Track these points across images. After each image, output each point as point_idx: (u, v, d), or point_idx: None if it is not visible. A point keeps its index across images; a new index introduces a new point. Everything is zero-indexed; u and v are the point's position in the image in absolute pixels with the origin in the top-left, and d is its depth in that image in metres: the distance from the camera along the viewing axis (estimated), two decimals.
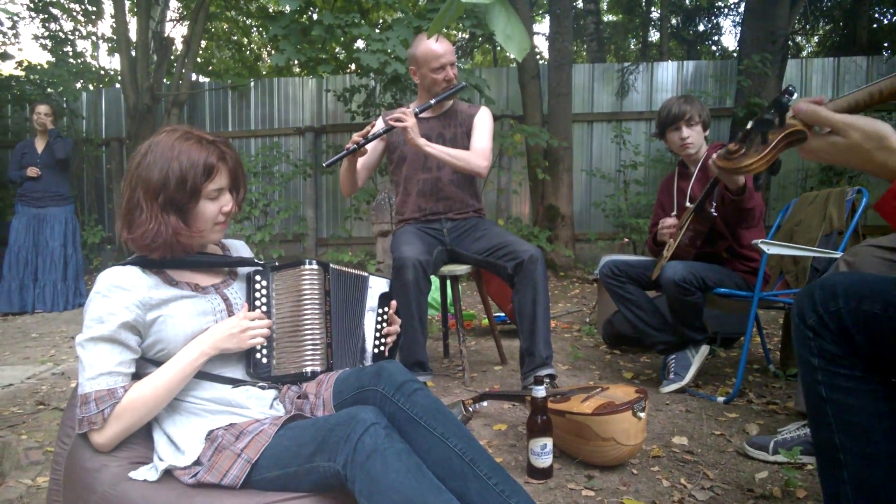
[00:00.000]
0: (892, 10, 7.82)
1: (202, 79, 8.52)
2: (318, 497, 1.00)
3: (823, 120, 0.84)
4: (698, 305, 2.19)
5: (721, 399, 2.16)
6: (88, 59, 7.22)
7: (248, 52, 10.27)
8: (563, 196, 5.67)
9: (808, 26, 8.91)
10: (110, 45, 7.66)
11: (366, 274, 1.38)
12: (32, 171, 4.57)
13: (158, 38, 6.45)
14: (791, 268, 2.49)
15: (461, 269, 2.43)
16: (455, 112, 2.46)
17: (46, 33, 6.81)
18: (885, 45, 7.61)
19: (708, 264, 2.20)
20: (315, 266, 1.25)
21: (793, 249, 2.14)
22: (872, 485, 0.88)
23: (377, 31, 4.78)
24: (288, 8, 4.54)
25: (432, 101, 2.31)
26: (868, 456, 0.88)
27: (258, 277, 1.26)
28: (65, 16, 7.00)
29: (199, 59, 8.09)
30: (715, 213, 2.15)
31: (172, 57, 6.75)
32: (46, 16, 6.70)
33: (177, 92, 6.19)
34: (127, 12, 6.13)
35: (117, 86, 6.73)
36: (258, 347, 1.21)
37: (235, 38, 9.78)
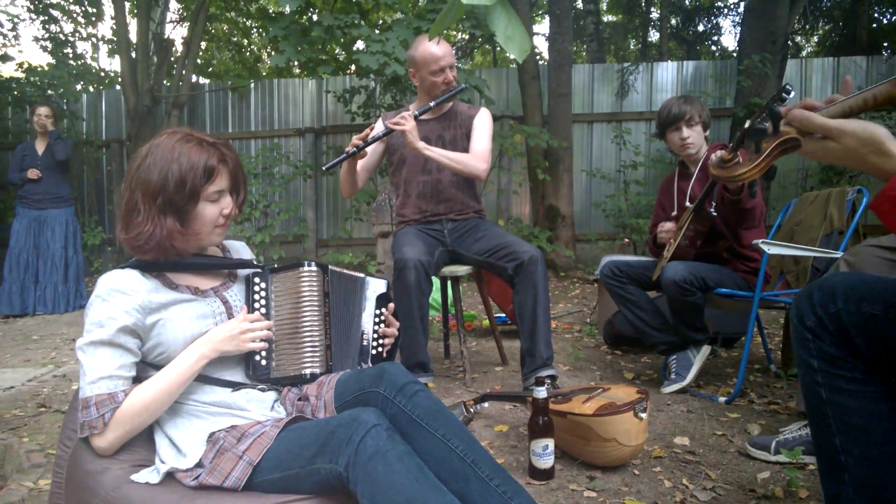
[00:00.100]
0: (891, 10, 7.82)
1: (202, 80, 8.53)
2: (320, 499, 1.00)
3: (818, 126, 0.85)
4: (699, 306, 2.19)
5: (722, 399, 2.16)
6: (89, 61, 7.22)
7: (248, 54, 10.27)
8: (564, 196, 5.67)
9: (807, 26, 8.91)
10: (110, 46, 7.67)
11: (363, 275, 1.39)
12: (33, 174, 4.58)
13: (158, 40, 6.45)
14: (792, 268, 2.49)
15: (462, 269, 2.43)
16: (455, 113, 2.46)
17: (47, 35, 6.81)
18: (885, 44, 7.61)
19: (708, 264, 2.20)
20: (314, 268, 1.25)
21: (793, 249, 2.14)
22: (873, 486, 0.88)
23: (377, 31, 4.78)
24: (288, 9, 4.54)
25: (432, 104, 2.31)
26: (869, 457, 0.88)
27: (257, 279, 1.26)
28: (65, 17, 7.01)
29: (199, 61, 8.09)
30: (715, 213, 2.15)
31: (172, 58, 6.75)
32: (46, 17, 6.71)
33: (177, 93, 6.19)
34: (127, 14, 6.13)
35: (117, 87, 6.74)
36: (257, 350, 1.21)
37: (235, 39, 9.78)
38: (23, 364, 3.11)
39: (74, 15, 7.07)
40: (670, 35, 9.00)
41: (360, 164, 2.37)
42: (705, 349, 2.30)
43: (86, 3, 6.80)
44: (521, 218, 6.22)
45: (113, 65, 9.14)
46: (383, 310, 1.40)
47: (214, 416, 1.14)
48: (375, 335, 1.39)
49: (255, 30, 9.41)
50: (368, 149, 2.32)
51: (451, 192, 2.42)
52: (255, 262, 1.31)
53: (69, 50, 6.80)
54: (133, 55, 5.97)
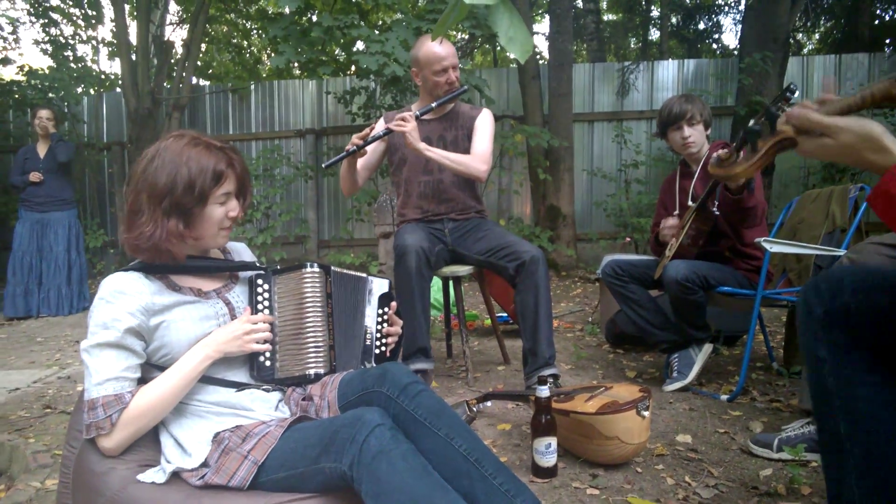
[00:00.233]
0: (893, 7, 7.80)
1: (202, 82, 8.54)
2: (324, 498, 1.01)
3: (815, 124, 0.87)
4: (701, 304, 2.19)
5: (724, 397, 2.16)
6: (89, 64, 7.24)
7: (248, 55, 10.28)
8: (565, 196, 5.67)
9: (809, 23, 8.90)
10: (111, 49, 7.68)
11: (366, 275, 1.39)
12: (35, 176, 4.59)
13: (158, 42, 6.46)
14: (794, 266, 2.49)
15: (463, 269, 2.44)
16: (456, 114, 2.46)
17: (47, 38, 6.83)
18: (887, 41, 7.60)
19: (710, 263, 2.21)
20: (316, 269, 1.26)
21: (796, 247, 2.14)
22: (877, 474, 0.88)
23: (376, 32, 4.78)
24: (287, 10, 4.55)
25: (433, 105, 2.32)
26: (873, 445, 0.89)
27: (260, 281, 1.26)
28: (65, 20, 7.02)
29: (199, 63, 8.11)
30: (717, 212, 2.15)
31: (173, 61, 6.76)
32: (47, 20, 6.72)
33: (178, 95, 6.20)
34: (127, 16, 6.14)
35: (118, 90, 6.75)
36: (260, 351, 1.21)
37: (235, 40, 9.79)
38: (28, 366, 3.12)
39: (74, 18, 7.09)
40: (671, 33, 8.99)
41: (361, 162, 2.38)
42: (707, 347, 2.30)
43: (85, 5, 6.82)
44: (523, 218, 6.22)
45: (113, 67, 9.17)
46: (386, 309, 1.41)
47: (219, 417, 1.15)
48: (379, 334, 1.39)
49: (254, 31, 9.42)
50: (369, 147, 2.33)
51: (453, 193, 2.42)
52: (257, 264, 1.31)
53: (69, 53, 6.82)
54: (133, 58, 5.98)
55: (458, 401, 2.06)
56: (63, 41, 6.90)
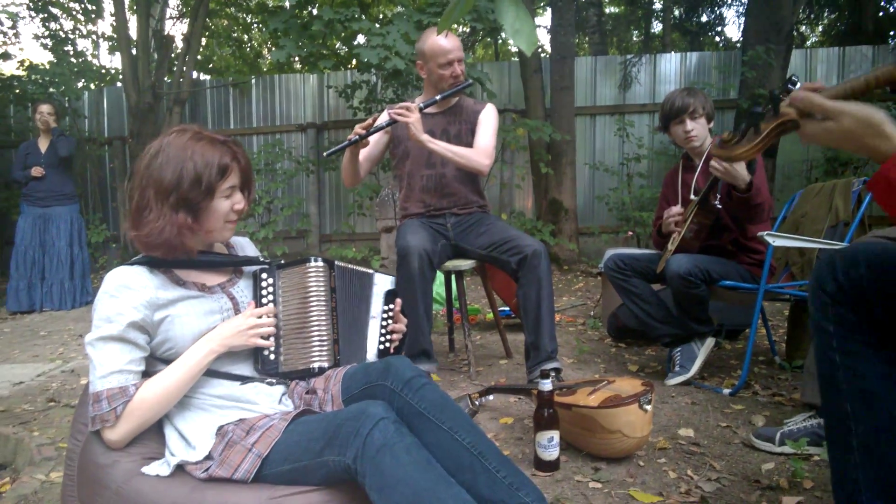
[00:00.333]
0: None
1: (203, 76, 8.52)
2: (328, 491, 1.01)
3: (817, 107, 0.87)
4: (703, 298, 2.19)
5: (727, 391, 2.16)
6: (89, 58, 7.23)
7: (248, 49, 10.26)
8: (567, 190, 5.66)
9: (812, 15, 8.85)
10: (111, 43, 7.67)
11: (371, 271, 1.39)
12: (37, 171, 4.59)
13: (159, 37, 6.45)
14: (797, 259, 2.48)
15: (466, 264, 2.43)
16: (460, 108, 2.45)
17: (47, 33, 6.82)
18: (892, 33, 7.55)
19: (713, 257, 2.20)
20: (321, 263, 1.26)
21: (799, 241, 2.13)
22: (881, 452, 0.88)
23: (377, 26, 4.77)
24: (287, 3, 4.53)
25: (437, 97, 2.32)
26: (878, 423, 0.89)
27: (264, 275, 1.27)
28: (65, 15, 7.00)
29: (199, 57, 8.08)
30: (719, 206, 2.14)
31: (173, 55, 6.75)
32: (46, 15, 6.70)
33: (178, 90, 6.19)
34: (127, 10, 6.12)
35: (119, 84, 6.74)
36: (265, 346, 1.22)
37: (236, 34, 9.76)
38: (31, 360, 3.13)
39: (74, 12, 7.07)
40: (673, 26, 8.95)
41: (363, 153, 2.38)
42: (710, 341, 2.30)
43: (85, 0, 6.80)
44: (524, 212, 6.21)
45: (114, 62, 9.14)
46: (391, 305, 1.41)
47: (223, 410, 1.15)
48: (383, 330, 1.39)
49: (255, 25, 9.39)
50: (371, 139, 2.32)
51: (455, 187, 2.42)
52: (261, 259, 1.32)
53: (70, 47, 6.81)
54: (133, 52, 5.97)
55: (460, 395, 2.06)
56: (63, 36, 6.89)
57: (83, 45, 9.69)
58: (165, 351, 1.14)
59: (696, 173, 2.34)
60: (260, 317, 1.20)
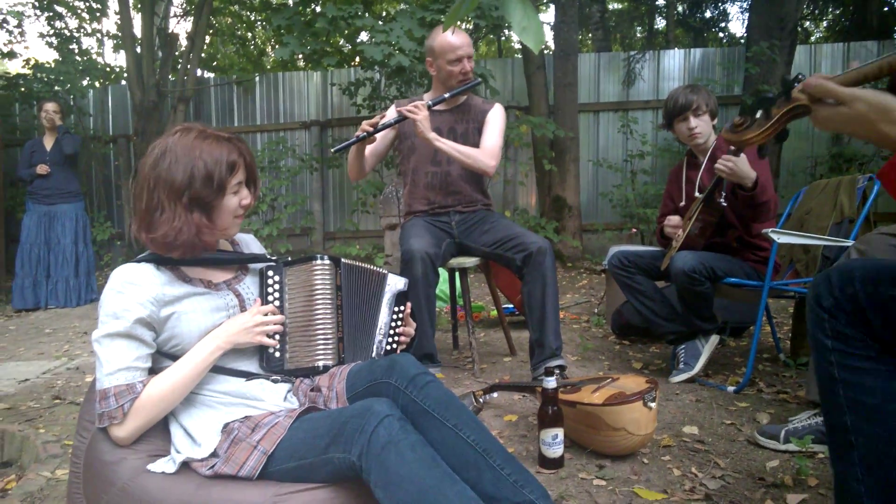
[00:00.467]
0: None
1: (207, 74, 8.53)
2: (333, 488, 1.02)
3: (831, 92, 0.87)
4: (708, 295, 2.18)
5: (731, 388, 2.16)
6: (94, 57, 7.23)
7: (252, 47, 10.26)
8: (570, 187, 5.65)
9: (817, 11, 8.79)
10: (115, 42, 7.67)
11: (385, 272, 1.39)
12: (42, 169, 4.61)
13: (163, 35, 6.45)
14: (801, 257, 2.47)
15: (470, 261, 2.44)
16: (469, 107, 2.45)
17: (52, 31, 6.82)
18: None
19: (718, 254, 2.20)
20: (326, 261, 1.26)
21: (803, 238, 2.13)
22: (883, 465, 0.88)
23: (380, 23, 4.76)
24: (291, 0, 4.53)
25: (446, 95, 2.32)
26: (879, 436, 0.89)
27: (270, 273, 1.27)
28: (70, 13, 7.01)
29: (203, 55, 8.09)
30: (724, 204, 2.14)
31: (177, 53, 6.76)
32: (51, 13, 6.71)
33: (182, 88, 6.20)
34: (131, 9, 6.13)
35: (123, 83, 6.75)
36: (270, 344, 1.22)
37: (239, 32, 9.76)
38: (37, 357, 3.15)
39: (79, 11, 7.07)
40: (677, 22, 8.90)
41: (369, 149, 2.38)
42: (714, 339, 2.30)
43: None
44: (528, 209, 6.21)
45: (118, 60, 9.17)
46: (402, 307, 1.40)
47: (228, 407, 1.16)
48: (391, 331, 1.39)
49: (259, 23, 9.39)
50: (378, 134, 2.33)
51: (460, 185, 2.42)
52: (268, 256, 1.32)
53: (74, 46, 6.82)
54: (138, 50, 5.98)
55: (464, 392, 2.06)
56: (68, 34, 6.89)
57: (88, 43, 9.75)
58: (172, 347, 1.15)
59: (701, 170, 2.34)
60: (266, 314, 1.20)
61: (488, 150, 2.35)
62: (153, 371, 1.12)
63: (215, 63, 9.75)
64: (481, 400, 1.93)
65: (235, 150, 1.18)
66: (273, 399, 1.20)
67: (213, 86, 6.85)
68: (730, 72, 6.09)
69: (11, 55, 6.40)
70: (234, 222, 1.22)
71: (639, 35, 10.84)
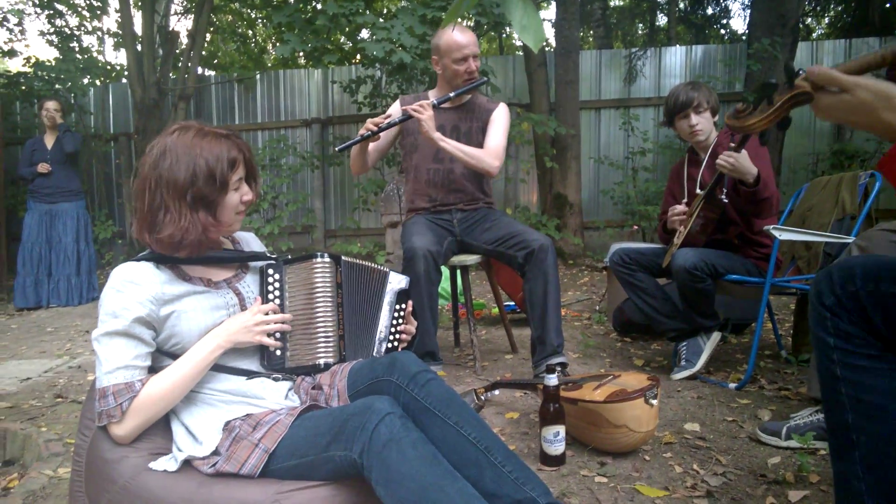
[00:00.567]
0: None
1: (208, 72, 8.52)
2: (334, 485, 1.02)
3: (834, 80, 0.87)
4: (709, 292, 2.18)
5: (733, 385, 2.15)
6: (95, 55, 7.23)
7: (253, 45, 10.25)
8: (572, 184, 5.65)
9: (818, 8, 8.76)
10: (116, 40, 7.67)
11: (387, 270, 1.39)
12: (43, 168, 4.61)
13: (164, 33, 6.45)
14: (803, 253, 2.47)
15: (471, 259, 2.43)
16: (473, 106, 2.45)
17: (52, 29, 6.82)
18: None
19: (719, 251, 2.19)
20: (327, 259, 1.26)
21: (805, 235, 2.12)
22: (884, 464, 0.88)
23: (381, 20, 4.75)
24: None
25: (452, 94, 2.32)
26: (880, 435, 0.89)
27: (271, 271, 1.27)
28: (70, 11, 7.01)
29: (204, 53, 8.08)
30: (725, 200, 2.13)
31: (178, 51, 6.75)
32: (52, 12, 6.71)
33: (183, 86, 6.19)
34: (132, 7, 6.12)
35: (124, 81, 6.75)
36: (271, 344, 1.22)
37: (240, 30, 9.76)
38: (38, 356, 3.15)
39: (79, 9, 7.07)
40: (678, 19, 8.87)
41: (373, 145, 2.38)
42: (715, 336, 2.30)
43: None
44: (529, 206, 6.20)
45: (119, 58, 9.18)
46: (403, 306, 1.40)
47: (229, 405, 1.16)
48: (393, 329, 1.39)
49: (259, 20, 9.38)
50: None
51: (462, 183, 2.42)
52: (268, 255, 1.32)
53: (75, 44, 6.82)
54: (139, 48, 5.97)
55: (466, 389, 2.07)
56: (69, 32, 6.90)
57: (89, 41, 9.73)
58: (172, 346, 1.15)
59: (702, 167, 2.33)
60: (266, 313, 1.20)
61: (492, 150, 2.35)
62: (153, 370, 1.12)
63: (216, 61, 9.75)
64: (483, 397, 1.93)
65: (235, 147, 1.18)
66: (274, 397, 1.20)
67: (214, 84, 6.84)
68: (731, 69, 6.07)
69: (12, 53, 6.40)
70: (236, 219, 1.22)
71: (640, 32, 10.81)
